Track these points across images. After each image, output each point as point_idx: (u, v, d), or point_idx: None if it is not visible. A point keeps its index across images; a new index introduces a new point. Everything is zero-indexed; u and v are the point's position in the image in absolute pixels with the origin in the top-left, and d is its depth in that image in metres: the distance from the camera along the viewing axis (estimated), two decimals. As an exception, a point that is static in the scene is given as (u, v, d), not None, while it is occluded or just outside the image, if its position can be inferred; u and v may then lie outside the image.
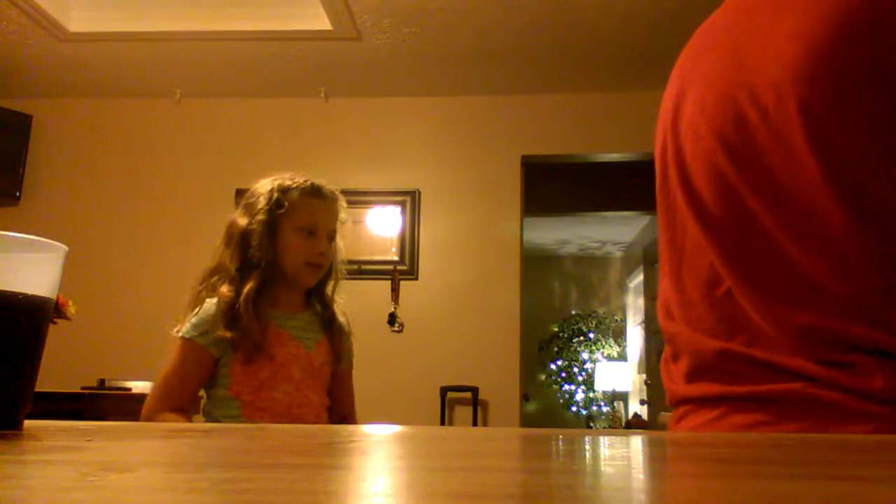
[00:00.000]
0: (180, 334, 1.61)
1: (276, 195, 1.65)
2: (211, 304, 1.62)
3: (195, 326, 1.60)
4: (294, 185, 1.67)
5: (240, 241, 1.65)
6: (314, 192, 1.68)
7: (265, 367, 1.60)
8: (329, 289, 1.77)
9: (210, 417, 1.63)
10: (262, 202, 1.65)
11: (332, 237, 1.71)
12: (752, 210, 0.70)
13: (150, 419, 1.56)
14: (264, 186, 1.69)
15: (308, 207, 1.67)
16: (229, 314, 1.58)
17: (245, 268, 1.63)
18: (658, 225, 0.87)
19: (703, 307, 0.76)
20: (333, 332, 1.74)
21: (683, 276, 0.80)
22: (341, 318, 1.77)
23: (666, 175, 0.83)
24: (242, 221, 1.66)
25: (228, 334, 1.57)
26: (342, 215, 1.76)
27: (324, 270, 1.72)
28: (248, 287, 1.60)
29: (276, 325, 1.65)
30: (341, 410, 1.78)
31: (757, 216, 0.69)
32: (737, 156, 0.71)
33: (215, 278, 1.65)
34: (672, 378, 0.82)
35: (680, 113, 0.81)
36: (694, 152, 0.77)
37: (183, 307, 1.66)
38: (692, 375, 0.78)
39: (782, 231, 0.68)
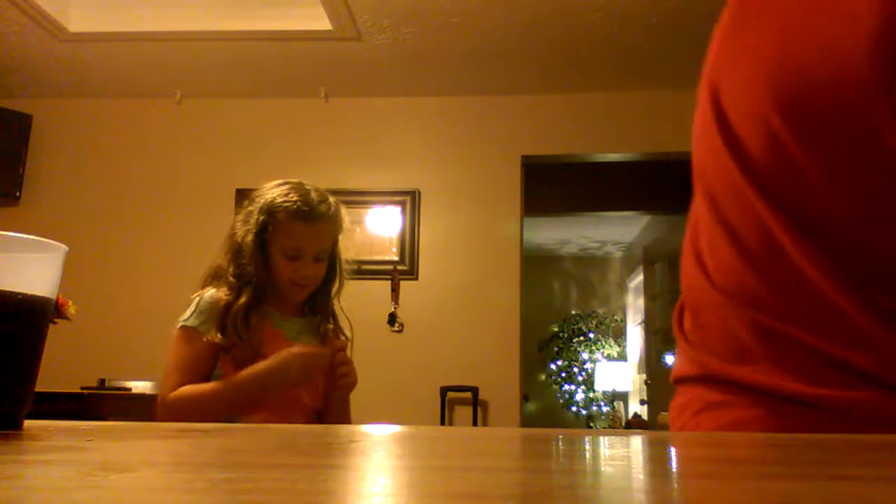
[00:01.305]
0: (179, 324, 1.61)
1: (262, 218, 1.63)
2: (210, 294, 1.63)
3: (195, 315, 1.61)
4: (281, 207, 1.63)
5: (235, 253, 1.66)
6: (300, 215, 1.63)
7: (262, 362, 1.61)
8: (332, 293, 1.77)
9: None
10: (252, 219, 1.64)
11: (320, 258, 1.68)
12: (814, 180, 0.63)
13: (165, 403, 1.54)
14: (260, 199, 1.67)
15: (292, 232, 1.64)
16: (223, 320, 1.59)
17: (240, 280, 1.64)
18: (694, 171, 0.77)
19: (747, 272, 0.67)
20: (330, 333, 1.74)
21: (722, 234, 0.70)
22: (341, 323, 1.77)
23: (707, 133, 0.75)
24: (238, 233, 1.66)
25: (219, 339, 1.57)
26: (346, 224, 1.74)
27: (311, 288, 1.71)
28: (240, 302, 1.61)
29: (272, 324, 1.66)
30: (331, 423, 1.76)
31: (821, 188, 0.63)
32: (797, 121, 0.64)
33: (214, 284, 1.67)
34: (695, 349, 0.72)
35: (725, 68, 0.74)
36: (744, 115, 0.69)
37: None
38: (727, 354, 0.68)
39: (849, 208, 0.61)
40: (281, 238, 1.64)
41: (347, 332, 1.78)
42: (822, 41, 0.64)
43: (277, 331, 1.65)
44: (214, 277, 1.68)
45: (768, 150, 0.67)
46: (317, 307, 1.76)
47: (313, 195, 1.67)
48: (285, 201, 1.64)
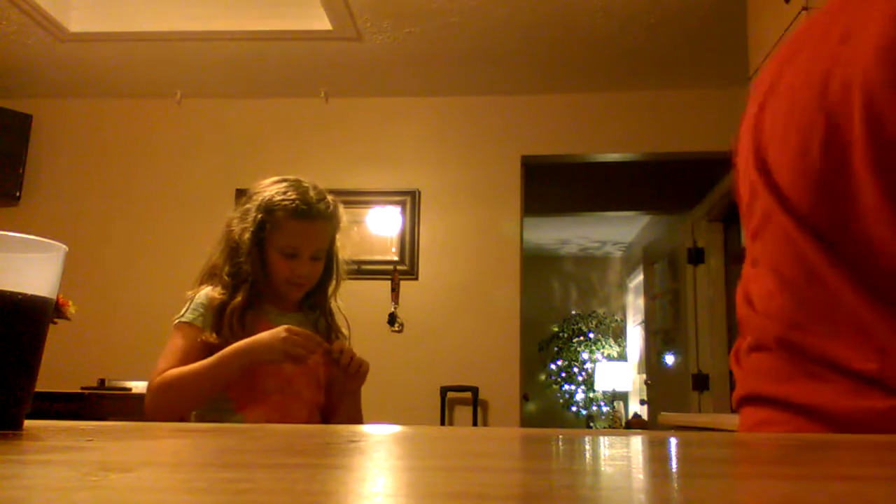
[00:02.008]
0: (177, 320, 1.61)
1: (259, 216, 1.62)
2: (205, 293, 1.63)
3: (190, 311, 1.61)
4: (279, 205, 1.62)
5: (231, 251, 1.65)
6: (299, 213, 1.62)
7: None
8: (329, 291, 1.76)
9: (205, 410, 1.63)
10: (250, 217, 1.63)
11: (317, 257, 1.67)
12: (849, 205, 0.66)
13: (152, 387, 1.52)
14: (258, 196, 1.66)
15: (290, 230, 1.63)
16: (218, 320, 1.59)
17: (236, 279, 1.63)
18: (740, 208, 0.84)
19: (784, 295, 0.72)
20: (329, 333, 1.74)
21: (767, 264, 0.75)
22: (339, 321, 1.77)
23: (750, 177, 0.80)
24: (235, 230, 1.65)
25: (214, 339, 1.57)
26: (344, 223, 1.73)
27: (308, 287, 1.70)
28: (235, 301, 1.60)
29: (268, 322, 1.65)
30: (343, 411, 1.75)
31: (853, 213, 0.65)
32: (833, 158, 0.67)
33: (209, 282, 1.66)
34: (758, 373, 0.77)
35: (766, 124, 0.78)
36: (781, 155, 0.74)
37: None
38: (767, 373, 0.73)
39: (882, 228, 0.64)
40: (278, 236, 1.63)
41: (345, 330, 1.78)
42: (841, 75, 0.67)
43: (274, 327, 1.64)
44: (210, 276, 1.67)
45: (805, 184, 0.71)
46: (314, 304, 1.76)
47: (311, 193, 1.66)
48: (283, 199, 1.63)
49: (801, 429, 0.68)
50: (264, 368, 1.59)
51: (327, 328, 1.75)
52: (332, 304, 1.77)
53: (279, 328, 1.51)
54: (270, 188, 1.66)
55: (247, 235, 1.62)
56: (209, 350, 1.57)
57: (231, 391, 1.59)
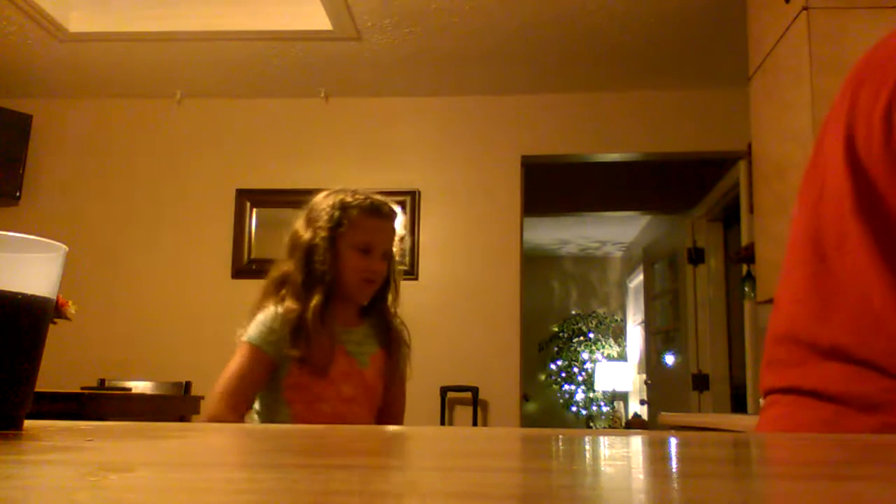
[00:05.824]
0: (247, 339, 1.62)
1: (336, 213, 1.69)
2: (276, 312, 1.64)
3: (263, 335, 1.61)
4: (354, 203, 1.70)
5: (304, 254, 1.68)
6: (373, 210, 1.71)
7: (319, 381, 1.63)
8: (389, 300, 1.80)
9: (261, 419, 1.65)
10: (324, 217, 1.69)
11: (387, 255, 1.74)
12: None
13: (215, 420, 1.55)
14: (325, 202, 1.72)
15: (365, 226, 1.70)
16: (297, 331, 1.61)
17: (310, 281, 1.66)
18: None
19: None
20: (391, 343, 1.77)
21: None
22: (401, 328, 1.81)
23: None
24: (306, 235, 1.70)
25: (296, 353, 1.60)
26: (400, 230, 1.79)
27: (378, 284, 1.74)
28: (314, 301, 1.63)
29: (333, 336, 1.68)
30: (389, 415, 1.79)
31: None
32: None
33: (283, 291, 1.68)
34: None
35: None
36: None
37: (248, 316, 1.68)
38: (782, 361, 0.78)
39: None
40: (354, 233, 1.68)
41: (408, 340, 1.82)
42: None
43: (338, 346, 1.68)
44: (280, 283, 1.70)
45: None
46: (377, 314, 1.78)
47: (377, 196, 1.76)
48: (355, 199, 1.71)
49: (792, 411, 0.70)
50: (324, 390, 1.63)
51: (390, 340, 1.77)
52: (394, 314, 1.81)
53: None
54: (335, 195, 1.73)
55: (323, 233, 1.67)
56: (271, 372, 1.61)
57: (291, 406, 1.63)
